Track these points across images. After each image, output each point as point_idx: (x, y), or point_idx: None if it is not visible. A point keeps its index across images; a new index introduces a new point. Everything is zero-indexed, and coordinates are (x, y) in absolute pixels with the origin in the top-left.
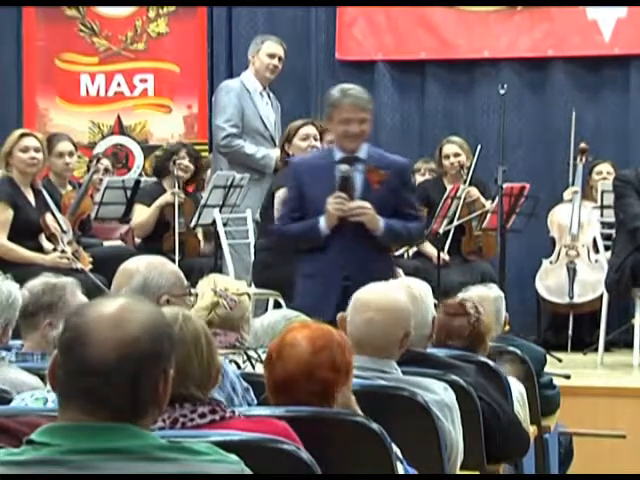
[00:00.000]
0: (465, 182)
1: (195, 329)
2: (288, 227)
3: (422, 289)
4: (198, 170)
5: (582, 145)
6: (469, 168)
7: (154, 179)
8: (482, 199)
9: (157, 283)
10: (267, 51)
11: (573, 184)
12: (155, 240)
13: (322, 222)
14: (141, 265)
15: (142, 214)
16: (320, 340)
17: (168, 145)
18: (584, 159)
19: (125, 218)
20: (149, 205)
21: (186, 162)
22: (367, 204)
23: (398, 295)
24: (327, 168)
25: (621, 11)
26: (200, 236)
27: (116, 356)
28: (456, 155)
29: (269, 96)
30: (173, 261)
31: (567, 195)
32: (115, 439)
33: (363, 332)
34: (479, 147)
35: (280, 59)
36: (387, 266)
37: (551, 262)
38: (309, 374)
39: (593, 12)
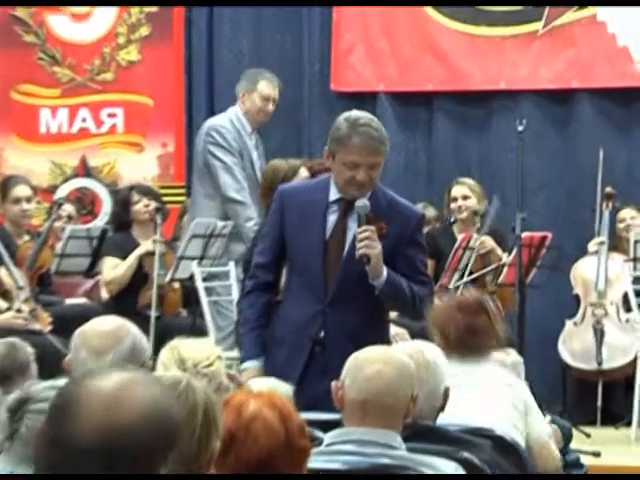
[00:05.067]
0: (478, 231)
1: (194, 402)
2: (246, 303)
3: (433, 353)
4: (163, 205)
5: (608, 189)
6: (482, 215)
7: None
8: (498, 250)
9: (143, 347)
10: (262, 93)
11: (599, 234)
12: (128, 296)
13: (244, 365)
14: (128, 327)
15: (115, 267)
16: (283, 407)
17: (116, 195)
18: (610, 205)
19: (90, 272)
20: (120, 257)
21: (145, 202)
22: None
23: (400, 353)
24: (319, 206)
25: None
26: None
27: (98, 438)
28: (464, 198)
29: (255, 138)
30: (148, 319)
31: (592, 247)
32: None
33: (369, 389)
34: (494, 197)
35: (274, 101)
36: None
37: (575, 323)
38: (288, 445)
39: (624, 38)
